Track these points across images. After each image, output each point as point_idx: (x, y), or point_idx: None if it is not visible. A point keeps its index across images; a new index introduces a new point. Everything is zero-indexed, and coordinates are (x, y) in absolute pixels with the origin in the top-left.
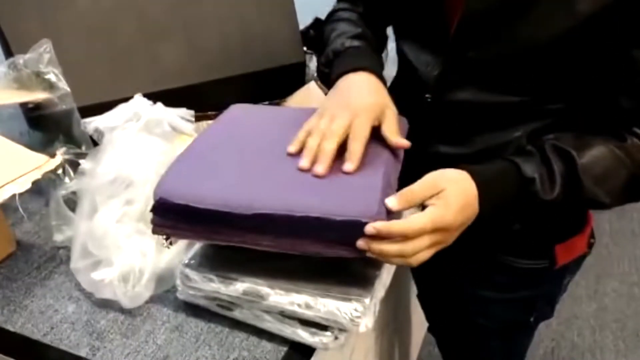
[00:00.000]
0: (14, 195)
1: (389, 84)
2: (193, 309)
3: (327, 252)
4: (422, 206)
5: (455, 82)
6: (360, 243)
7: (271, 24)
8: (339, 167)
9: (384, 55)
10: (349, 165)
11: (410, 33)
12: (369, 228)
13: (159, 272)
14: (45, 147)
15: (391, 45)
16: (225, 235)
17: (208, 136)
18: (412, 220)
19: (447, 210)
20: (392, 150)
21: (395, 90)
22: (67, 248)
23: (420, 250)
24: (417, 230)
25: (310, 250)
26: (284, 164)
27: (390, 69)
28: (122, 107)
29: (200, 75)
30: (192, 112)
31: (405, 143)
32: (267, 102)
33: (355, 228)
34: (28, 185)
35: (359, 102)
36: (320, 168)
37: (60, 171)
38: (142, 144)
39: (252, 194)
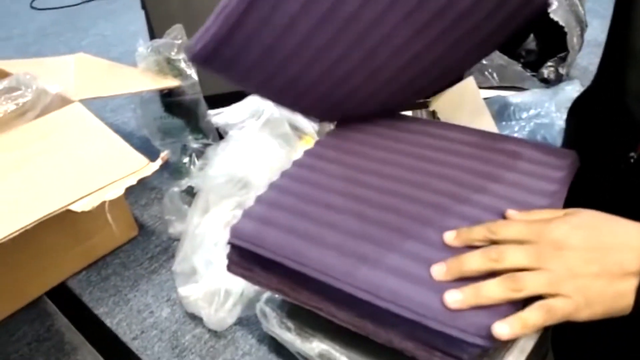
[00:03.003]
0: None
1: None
2: (277, 346)
3: (418, 354)
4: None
5: None
6: None
7: None
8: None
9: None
10: None
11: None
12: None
13: (250, 294)
14: (176, 133)
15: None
16: (301, 296)
17: (313, 156)
18: None
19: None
20: None
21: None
22: None
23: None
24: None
25: (398, 345)
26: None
27: None
28: (247, 100)
29: None
30: None
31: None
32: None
33: (468, 345)
34: (121, 192)
35: None
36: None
37: (187, 159)
38: (261, 145)
39: (340, 255)
